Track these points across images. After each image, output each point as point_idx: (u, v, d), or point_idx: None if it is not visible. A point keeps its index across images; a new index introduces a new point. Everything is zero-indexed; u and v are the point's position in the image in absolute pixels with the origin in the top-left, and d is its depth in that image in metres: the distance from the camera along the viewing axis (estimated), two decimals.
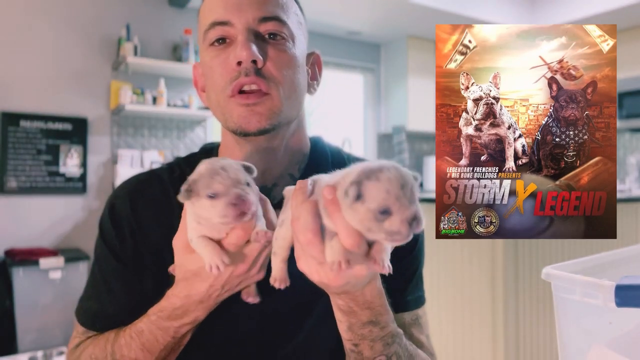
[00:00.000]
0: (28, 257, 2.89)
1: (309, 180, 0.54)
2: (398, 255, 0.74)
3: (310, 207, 0.51)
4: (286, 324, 0.74)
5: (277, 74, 0.70)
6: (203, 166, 0.59)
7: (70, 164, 3.37)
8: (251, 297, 0.67)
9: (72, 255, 3.01)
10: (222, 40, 0.71)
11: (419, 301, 0.80)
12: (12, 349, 2.86)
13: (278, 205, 0.63)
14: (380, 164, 0.49)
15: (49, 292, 2.90)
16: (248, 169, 0.61)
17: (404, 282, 0.77)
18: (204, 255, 0.60)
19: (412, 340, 0.73)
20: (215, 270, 0.58)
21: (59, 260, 2.90)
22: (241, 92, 0.69)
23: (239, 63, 0.68)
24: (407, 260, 0.78)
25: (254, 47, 0.67)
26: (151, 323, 0.67)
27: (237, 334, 0.74)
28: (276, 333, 0.74)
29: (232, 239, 0.60)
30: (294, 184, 0.55)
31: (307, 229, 0.51)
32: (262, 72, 0.69)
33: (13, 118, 3.21)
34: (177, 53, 3.69)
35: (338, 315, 0.61)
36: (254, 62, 0.68)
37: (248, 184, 0.59)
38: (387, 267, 0.52)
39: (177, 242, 0.64)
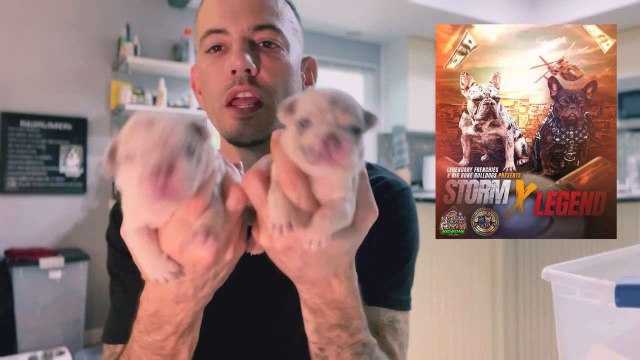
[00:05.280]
0: (28, 257, 2.90)
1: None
2: (386, 241, 0.72)
3: (266, 157, 0.49)
4: (285, 324, 0.74)
5: (271, 82, 0.71)
6: (132, 118, 0.43)
7: (70, 164, 3.37)
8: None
9: (72, 255, 3.01)
10: (217, 48, 0.72)
11: (401, 304, 0.73)
12: (12, 349, 2.86)
13: None
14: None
15: (49, 292, 2.90)
16: (198, 130, 0.44)
17: (386, 272, 0.72)
18: (141, 262, 0.46)
19: (384, 346, 0.66)
20: (163, 282, 0.47)
21: (59, 260, 2.91)
22: (235, 99, 0.70)
23: (234, 72, 0.69)
24: (396, 247, 0.75)
25: (248, 57, 0.69)
26: (134, 342, 0.57)
27: (236, 333, 0.74)
28: (275, 332, 0.74)
29: (181, 212, 0.45)
30: None
31: (250, 171, 0.47)
32: (256, 80, 0.70)
33: (13, 118, 3.21)
34: (177, 53, 3.69)
35: (305, 314, 0.56)
36: (248, 70, 0.69)
37: (191, 151, 0.42)
38: (319, 241, 0.43)
39: (123, 233, 0.49)
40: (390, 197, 0.75)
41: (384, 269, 0.73)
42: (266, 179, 0.47)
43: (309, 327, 0.56)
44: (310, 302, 0.54)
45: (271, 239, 0.48)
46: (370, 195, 0.49)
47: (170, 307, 0.53)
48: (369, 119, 0.46)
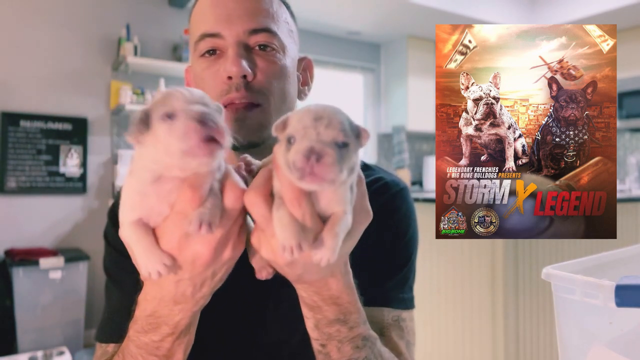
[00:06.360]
0: (28, 257, 2.89)
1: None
2: (387, 242, 0.72)
3: (264, 172, 0.48)
4: (285, 326, 0.74)
5: (268, 86, 0.70)
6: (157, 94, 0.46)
7: (70, 164, 3.37)
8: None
9: (72, 255, 3.01)
10: (212, 52, 0.71)
11: (405, 303, 0.74)
12: (12, 349, 2.86)
13: None
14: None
15: (49, 292, 2.90)
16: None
17: (388, 272, 0.73)
18: (137, 255, 0.46)
19: (390, 344, 0.67)
20: (156, 276, 0.46)
21: (59, 260, 2.90)
22: (231, 103, 0.69)
23: (229, 77, 0.69)
24: (396, 247, 0.75)
25: (244, 62, 0.68)
26: (130, 342, 0.57)
27: (236, 335, 0.74)
28: (275, 334, 0.73)
29: (180, 204, 0.45)
30: None
31: (251, 189, 0.47)
32: (252, 85, 0.70)
33: (13, 118, 3.21)
34: (177, 53, 3.69)
35: (304, 311, 0.57)
36: (244, 76, 0.68)
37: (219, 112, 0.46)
38: (329, 258, 0.45)
39: (120, 231, 0.49)
40: (389, 197, 0.76)
41: (386, 269, 0.73)
42: (268, 197, 0.47)
43: (309, 324, 0.57)
44: (309, 300, 0.55)
45: (275, 254, 0.48)
46: (366, 199, 0.51)
47: (168, 308, 0.53)
48: (359, 134, 0.46)
